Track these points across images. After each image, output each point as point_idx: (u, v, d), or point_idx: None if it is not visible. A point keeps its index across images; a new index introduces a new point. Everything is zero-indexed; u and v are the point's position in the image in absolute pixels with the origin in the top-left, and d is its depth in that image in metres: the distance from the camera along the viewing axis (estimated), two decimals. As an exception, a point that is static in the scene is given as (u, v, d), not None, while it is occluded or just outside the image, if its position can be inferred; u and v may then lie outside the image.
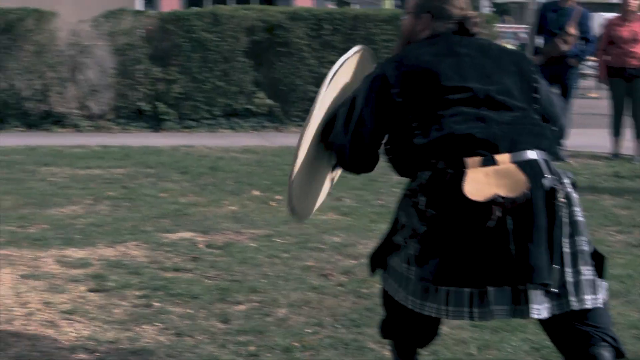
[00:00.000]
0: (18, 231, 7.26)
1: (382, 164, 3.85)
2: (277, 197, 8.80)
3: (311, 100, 14.40)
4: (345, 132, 3.75)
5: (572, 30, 11.42)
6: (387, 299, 3.85)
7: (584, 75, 22.02)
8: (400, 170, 3.76)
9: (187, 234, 7.27)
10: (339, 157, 3.84)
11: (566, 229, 3.49)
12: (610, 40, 11.79)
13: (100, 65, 14.43)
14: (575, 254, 3.51)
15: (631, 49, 11.64)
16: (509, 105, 3.61)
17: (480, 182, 3.41)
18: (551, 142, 3.67)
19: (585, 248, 3.55)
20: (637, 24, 11.72)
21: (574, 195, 3.58)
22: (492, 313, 3.45)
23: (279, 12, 14.84)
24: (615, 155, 11.74)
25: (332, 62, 13.90)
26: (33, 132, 13.87)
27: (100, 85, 14.50)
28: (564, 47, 11.43)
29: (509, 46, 3.96)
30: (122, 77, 14.44)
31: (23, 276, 6.05)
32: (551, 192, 3.48)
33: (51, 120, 14.26)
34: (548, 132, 3.67)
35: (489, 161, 3.47)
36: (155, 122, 14.39)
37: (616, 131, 11.86)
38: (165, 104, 14.39)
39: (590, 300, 3.51)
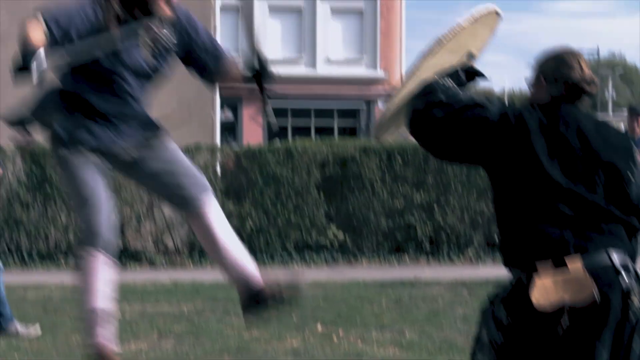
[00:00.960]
0: (80, 368, 7.40)
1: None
2: (341, 331, 8.84)
3: (384, 234, 14.60)
4: (431, 93, 3.79)
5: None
6: None
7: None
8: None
9: (246, 370, 7.34)
10: (410, 106, 3.85)
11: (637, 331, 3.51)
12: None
13: (176, 201, 14.73)
14: None
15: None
16: (590, 202, 3.62)
17: (548, 289, 3.46)
18: (629, 243, 3.66)
19: None
20: None
21: None
22: None
23: (351, 146, 15.07)
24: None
25: (405, 195, 14.02)
26: (109, 268, 14.12)
27: (175, 221, 14.79)
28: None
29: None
30: (197, 213, 14.70)
31: (79, 413, 6.16)
32: (627, 294, 3.49)
33: (127, 256, 14.53)
34: (625, 232, 3.65)
35: (560, 266, 3.50)
36: (229, 257, 14.56)
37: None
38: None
39: None
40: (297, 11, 39.85)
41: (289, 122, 40.11)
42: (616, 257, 3.54)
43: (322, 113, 40.23)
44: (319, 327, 9.09)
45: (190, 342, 8.39)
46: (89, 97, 4.76)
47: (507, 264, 3.69)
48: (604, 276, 3.47)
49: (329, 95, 39.28)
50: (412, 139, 3.85)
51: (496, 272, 13.29)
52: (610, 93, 69.55)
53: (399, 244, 14.99)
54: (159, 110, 16.27)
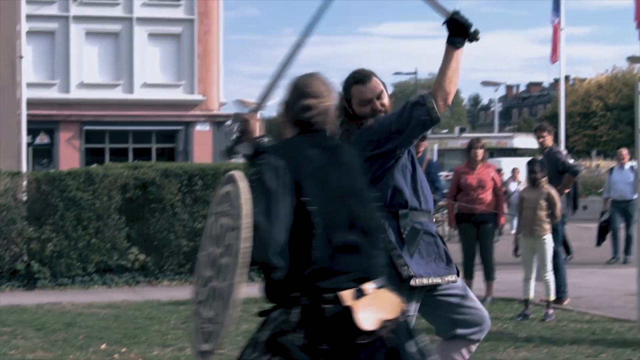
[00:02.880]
0: None
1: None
2: (123, 349, 9.09)
3: (185, 254, 14.86)
4: None
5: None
6: None
7: (436, 222, 22.68)
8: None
9: (22, 389, 7.52)
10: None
11: None
12: (459, 188, 12.38)
13: (-25, 227, 14.67)
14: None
15: (479, 196, 12.23)
16: (368, 229, 4.00)
17: (367, 311, 3.79)
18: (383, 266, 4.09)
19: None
20: (484, 171, 12.35)
21: None
22: None
23: (152, 169, 15.29)
24: (468, 297, 12.22)
25: (205, 217, 14.22)
26: None
27: (-22, 245, 14.71)
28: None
29: None
30: (-4, 238, 14.70)
31: None
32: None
33: None
34: (382, 257, 4.09)
35: (359, 292, 3.84)
36: (29, 281, 14.58)
37: (468, 274, 12.38)
38: (39, 263, 14.62)
39: None
40: (114, 35, 39.78)
41: (107, 146, 39.95)
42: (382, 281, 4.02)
43: (140, 136, 40.25)
44: (104, 346, 9.32)
45: (-29, 365, 8.50)
46: None
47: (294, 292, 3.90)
48: None
49: (147, 118, 39.33)
50: None
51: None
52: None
53: (201, 265, 15.23)
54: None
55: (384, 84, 5.41)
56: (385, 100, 5.33)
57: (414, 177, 5.27)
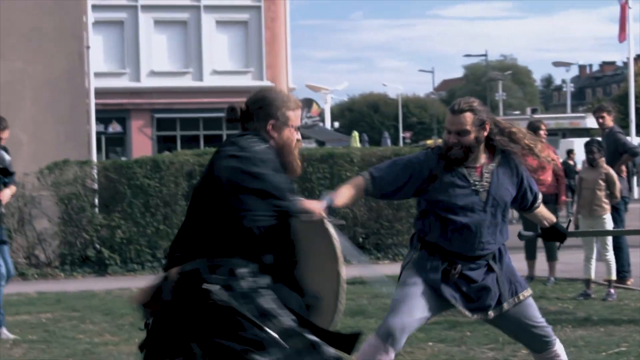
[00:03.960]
0: None
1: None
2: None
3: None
4: None
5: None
6: None
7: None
8: None
9: (88, 372, 7.78)
10: None
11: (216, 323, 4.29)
12: (520, 169, 12.39)
13: (47, 215, 15.02)
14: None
15: (539, 177, 12.22)
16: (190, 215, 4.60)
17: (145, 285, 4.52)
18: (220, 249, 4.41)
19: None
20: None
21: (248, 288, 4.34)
22: None
23: (217, 156, 15.50)
24: (531, 278, 12.25)
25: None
26: (-21, 283, 14.34)
27: (46, 234, 15.06)
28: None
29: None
30: (67, 226, 15.04)
31: None
32: (207, 293, 4.26)
33: (-2, 270, 14.73)
34: (220, 238, 4.42)
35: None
36: (100, 267, 14.92)
37: (530, 255, 12.42)
38: (109, 250, 14.95)
39: None
40: (183, 24, 40.18)
41: (178, 133, 40.43)
42: (202, 264, 4.36)
43: (211, 123, 40.63)
44: (168, 329, 9.53)
45: (41, 349, 8.78)
46: None
47: None
48: (188, 280, 4.34)
49: (217, 105, 39.69)
50: None
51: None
52: (500, 95, 71.00)
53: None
54: (35, 127, 16.36)
55: (482, 123, 5.42)
56: (466, 140, 5.38)
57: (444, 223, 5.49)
